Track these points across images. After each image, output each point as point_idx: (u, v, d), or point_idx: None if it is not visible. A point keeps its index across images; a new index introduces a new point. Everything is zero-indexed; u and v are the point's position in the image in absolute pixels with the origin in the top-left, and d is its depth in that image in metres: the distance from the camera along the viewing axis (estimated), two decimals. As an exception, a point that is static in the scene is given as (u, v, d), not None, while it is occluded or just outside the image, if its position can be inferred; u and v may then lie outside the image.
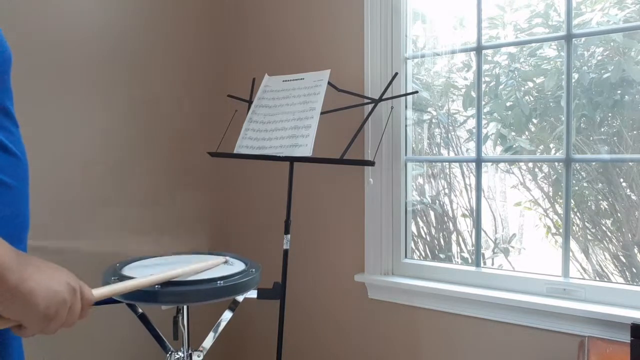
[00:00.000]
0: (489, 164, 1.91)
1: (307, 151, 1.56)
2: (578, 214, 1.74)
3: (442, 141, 2.01)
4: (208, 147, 2.08)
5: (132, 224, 1.97)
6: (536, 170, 1.90)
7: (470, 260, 1.96)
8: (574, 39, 1.59)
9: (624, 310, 1.43)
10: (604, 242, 1.71)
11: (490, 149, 1.87)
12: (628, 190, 1.64)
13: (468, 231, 2.00)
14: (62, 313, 0.64)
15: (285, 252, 1.66)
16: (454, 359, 1.76)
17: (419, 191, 2.04)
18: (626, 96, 1.57)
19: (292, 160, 1.62)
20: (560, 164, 1.67)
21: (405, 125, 1.91)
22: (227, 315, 1.44)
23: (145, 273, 1.31)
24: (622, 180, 1.65)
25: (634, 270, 1.64)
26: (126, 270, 1.33)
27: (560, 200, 1.75)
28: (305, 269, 2.11)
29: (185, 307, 1.35)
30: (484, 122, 1.81)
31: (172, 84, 2.12)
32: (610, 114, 1.63)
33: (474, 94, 1.78)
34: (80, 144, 1.80)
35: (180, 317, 1.35)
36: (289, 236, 1.67)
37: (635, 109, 1.56)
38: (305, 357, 2.14)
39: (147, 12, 2.02)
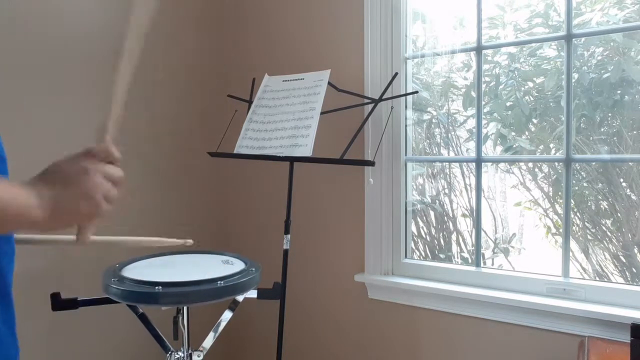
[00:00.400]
0: (489, 164, 1.91)
1: (307, 151, 1.56)
2: (578, 214, 1.74)
3: (442, 141, 2.01)
4: (208, 147, 2.08)
5: (131, 224, 1.96)
6: (536, 170, 1.90)
7: (470, 260, 1.96)
8: (573, 39, 1.59)
9: (624, 310, 1.43)
10: (604, 242, 1.71)
11: (490, 149, 1.87)
12: (628, 190, 1.64)
13: (468, 231, 2.00)
14: (95, 178, 0.64)
15: (285, 252, 1.66)
16: (454, 359, 1.76)
17: (419, 191, 2.04)
18: (626, 96, 1.57)
19: (292, 160, 1.62)
20: (560, 164, 1.67)
21: (405, 125, 1.91)
22: (227, 315, 1.44)
23: (145, 272, 1.31)
24: (622, 180, 1.65)
25: (634, 270, 1.64)
26: (126, 271, 1.33)
27: (560, 200, 1.75)
28: (305, 269, 2.11)
29: (185, 307, 1.35)
30: (484, 122, 1.81)
31: (172, 84, 2.12)
32: (610, 114, 1.63)
33: (474, 94, 1.78)
34: (80, 144, 1.80)
35: (180, 317, 1.35)
36: (289, 236, 1.67)
37: (635, 109, 1.56)
38: (305, 357, 2.14)
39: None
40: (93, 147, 0.70)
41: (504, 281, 1.68)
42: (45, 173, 0.65)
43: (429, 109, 1.99)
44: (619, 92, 1.58)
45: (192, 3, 2.21)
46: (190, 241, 1.38)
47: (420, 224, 2.08)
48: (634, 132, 1.59)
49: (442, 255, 2.05)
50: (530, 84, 1.79)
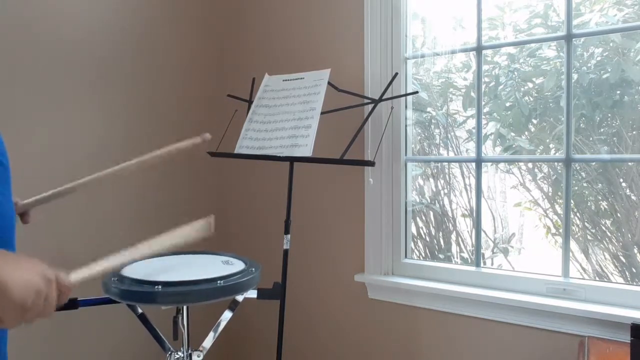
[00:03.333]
0: (489, 164, 1.91)
1: (307, 151, 1.56)
2: (578, 214, 1.74)
3: (441, 141, 2.01)
4: (208, 147, 2.08)
5: (131, 224, 1.96)
6: (536, 170, 1.91)
7: (470, 260, 1.96)
8: (573, 40, 1.59)
9: (624, 310, 1.43)
10: (604, 242, 1.71)
11: (490, 149, 1.87)
12: (628, 191, 1.64)
13: (468, 231, 2.00)
14: (38, 303, 0.64)
15: (285, 252, 1.66)
16: (453, 359, 1.76)
17: (419, 191, 2.04)
18: (625, 96, 1.57)
19: (292, 160, 1.62)
20: (560, 164, 1.67)
21: (405, 125, 1.91)
22: (227, 315, 1.44)
23: (145, 272, 1.31)
24: (621, 180, 1.66)
25: (634, 270, 1.64)
26: (126, 270, 1.33)
27: (560, 201, 1.75)
28: (305, 269, 2.11)
29: (185, 307, 1.35)
30: (483, 122, 1.81)
31: (172, 84, 2.12)
32: (609, 114, 1.63)
33: (473, 94, 1.78)
34: (79, 144, 1.80)
35: (180, 317, 1.34)
36: (289, 236, 1.67)
37: (635, 109, 1.56)
38: (305, 356, 2.14)
39: (147, 12, 2.02)
40: (62, 275, 0.70)
41: (503, 281, 1.68)
42: (9, 255, 0.65)
43: (428, 109, 1.99)
44: (618, 92, 1.58)
45: (192, 3, 2.21)
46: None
47: (420, 224, 2.08)
48: (634, 132, 1.59)
49: (441, 256, 2.05)
50: (530, 85, 1.80)
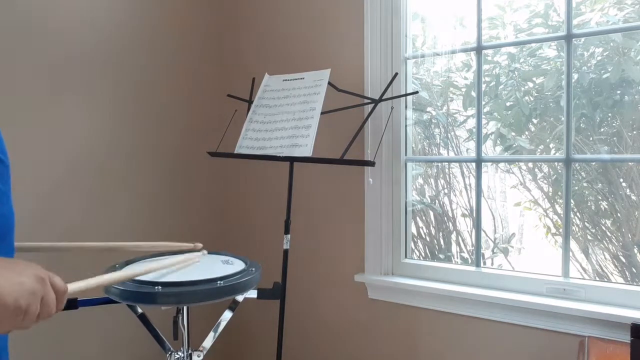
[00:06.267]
0: (489, 163, 1.91)
1: (307, 151, 1.56)
2: (578, 214, 1.74)
3: (441, 141, 2.01)
4: (208, 147, 2.08)
5: (131, 224, 1.97)
6: (536, 170, 1.90)
7: (470, 260, 1.96)
8: (573, 39, 1.59)
9: (624, 310, 1.43)
10: (604, 242, 1.71)
11: (490, 149, 1.87)
12: (628, 190, 1.64)
13: (468, 231, 2.00)
14: (34, 305, 0.63)
15: (285, 252, 1.66)
16: (453, 359, 1.76)
17: (419, 191, 2.04)
18: (626, 96, 1.57)
19: (292, 160, 1.62)
20: (560, 164, 1.67)
21: (405, 125, 1.91)
22: (227, 315, 1.44)
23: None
24: (622, 180, 1.65)
25: (634, 270, 1.64)
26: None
27: (560, 201, 1.75)
28: (305, 269, 2.11)
29: (185, 307, 1.35)
30: (484, 122, 1.81)
31: (172, 84, 2.12)
32: (610, 114, 1.63)
33: (474, 94, 1.78)
34: (79, 144, 1.80)
35: (180, 317, 1.34)
36: (289, 236, 1.67)
37: (635, 109, 1.56)
38: (305, 356, 2.14)
39: (147, 12, 2.02)
40: (56, 278, 0.68)
41: (503, 281, 1.68)
42: (1, 259, 0.64)
43: (428, 109, 1.99)
44: (618, 92, 1.58)
45: (192, 3, 2.21)
46: (199, 245, 1.40)
47: (420, 224, 2.08)
48: (634, 132, 1.59)
49: (441, 256, 2.05)
50: (530, 84, 1.79)
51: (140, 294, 1.18)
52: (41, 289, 0.64)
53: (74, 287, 0.78)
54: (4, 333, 0.64)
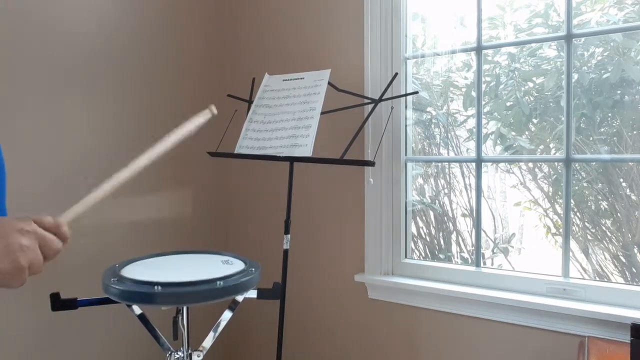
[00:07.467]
0: (489, 163, 1.91)
1: (307, 151, 1.56)
2: (578, 214, 1.74)
3: (441, 141, 2.01)
4: (208, 147, 2.08)
5: (131, 224, 1.97)
6: (536, 170, 1.90)
7: (470, 260, 1.96)
8: (573, 39, 1.59)
9: (624, 310, 1.43)
10: (604, 242, 1.71)
11: (490, 149, 1.87)
12: (628, 190, 1.64)
13: (468, 231, 2.00)
14: (31, 256, 0.62)
15: (285, 252, 1.66)
16: (453, 359, 1.76)
17: (419, 191, 2.04)
18: (626, 96, 1.57)
19: (292, 160, 1.62)
20: (560, 163, 1.67)
21: (405, 125, 1.91)
22: (227, 315, 1.44)
23: (145, 273, 1.31)
24: (622, 180, 1.65)
25: (634, 270, 1.64)
26: (126, 271, 1.33)
27: (560, 200, 1.74)
28: (305, 269, 2.11)
29: (184, 307, 1.35)
30: (484, 121, 1.81)
31: (171, 84, 2.12)
32: (610, 114, 1.63)
33: (474, 94, 1.78)
34: (79, 144, 1.80)
35: (180, 317, 1.34)
36: (289, 236, 1.67)
37: (635, 109, 1.56)
38: (305, 357, 2.14)
39: (146, 12, 2.02)
40: (43, 217, 0.67)
41: (504, 281, 1.68)
42: None
43: (428, 109, 1.98)
44: (618, 92, 1.58)
45: (192, 3, 2.21)
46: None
47: (420, 224, 2.08)
48: (634, 132, 1.59)
49: (441, 256, 2.05)
50: (530, 84, 1.79)
51: (140, 294, 1.18)
52: (30, 240, 0.62)
53: (65, 216, 0.76)
54: (20, 285, 0.62)
